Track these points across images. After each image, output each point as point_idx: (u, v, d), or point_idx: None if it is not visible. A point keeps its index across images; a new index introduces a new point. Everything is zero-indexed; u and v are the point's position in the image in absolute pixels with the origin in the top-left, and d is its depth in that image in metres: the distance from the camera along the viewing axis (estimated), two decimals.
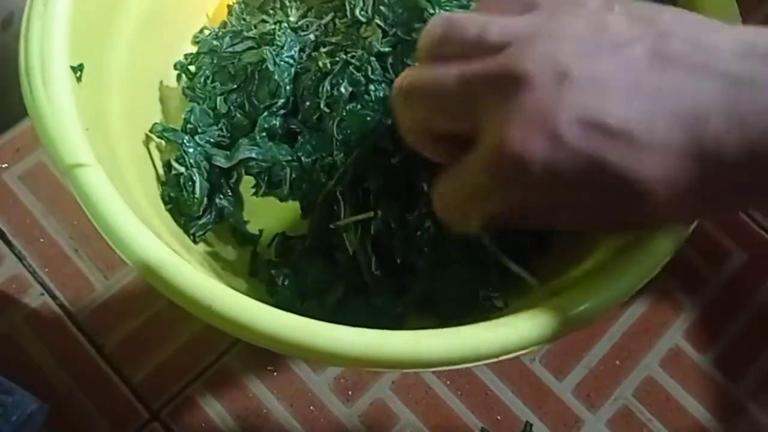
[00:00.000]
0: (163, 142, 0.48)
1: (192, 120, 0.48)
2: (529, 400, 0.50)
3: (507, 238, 0.44)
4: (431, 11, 0.41)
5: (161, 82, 0.52)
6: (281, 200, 0.49)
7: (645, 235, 0.35)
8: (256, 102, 0.47)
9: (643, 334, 0.52)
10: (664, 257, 0.34)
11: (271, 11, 0.53)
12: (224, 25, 0.53)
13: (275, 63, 0.45)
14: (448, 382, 0.50)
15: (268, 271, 0.46)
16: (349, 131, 0.42)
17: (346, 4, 0.47)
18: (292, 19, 0.50)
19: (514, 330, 0.33)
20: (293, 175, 0.46)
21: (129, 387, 0.49)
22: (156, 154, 0.48)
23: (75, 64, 0.39)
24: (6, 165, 0.54)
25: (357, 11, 0.46)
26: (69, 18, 0.40)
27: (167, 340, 0.50)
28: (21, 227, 0.52)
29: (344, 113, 0.42)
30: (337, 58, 0.44)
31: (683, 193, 0.26)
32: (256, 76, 0.47)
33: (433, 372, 0.50)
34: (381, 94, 0.42)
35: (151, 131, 0.47)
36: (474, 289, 0.42)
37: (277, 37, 0.47)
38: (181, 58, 0.52)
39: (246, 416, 0.49)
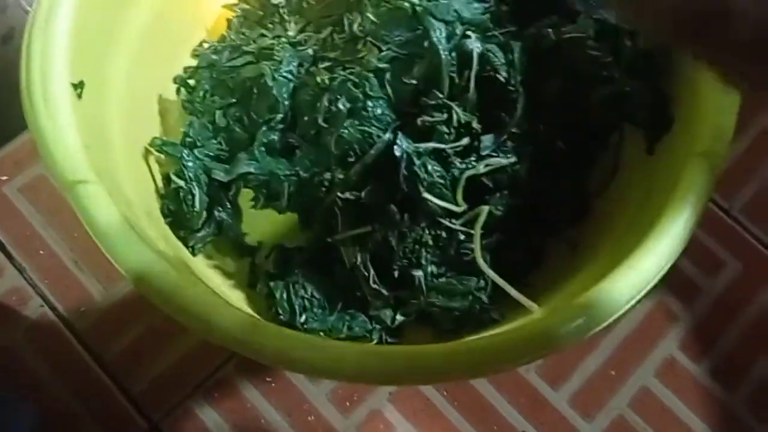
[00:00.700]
0: (162, 155, 0.48)
1: (191, 134, 0.48)
2: (525, 411, 0.50)
3: (502, 253, 0.44)
4: (432, 33, 0.42)
5: (160, 96, 0.52)
6: (280, 212, 0.49)
7: (638, 251, 0.35)
8: (254, 116, 0.47)
9: (638, 344, 0.52)
10: (655, 275, 0.35)
11: (269, 25, 0.53)
12: (223, 39, 0.54)
13: (274, 78, 0.46)
14: (445, 393, 0.51)
15: (266, 283, 0.47)
16: (347, 147, 0.43)
17: (344, 19, 0.47)
18: (290, 33, 0.50)
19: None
20: (291, 189, 0.47)
21: (128, 398, 0.49)
22: (155, 167, 0.49)
23: (75, 81, 0.39)
24: (6, 177, 0.54)
25: (355, 26, 0.46)
26: (70, 34, 0.40)
27: (166, 351, 0.50)
28: (21, 239, 0.53)
29: (343, 129, 0.43)
30: (336, 75, 0.44)
31: None
32: (255, 91, 0.47)
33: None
34: (379, 111, 0.42)
35: (150, 145, 0.47)
36: (471, 303, 0.43)
37: (276, 53, 0.47)
38: (180, 71, 0.53)
39: (244, 426, 0.49)
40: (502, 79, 0.42)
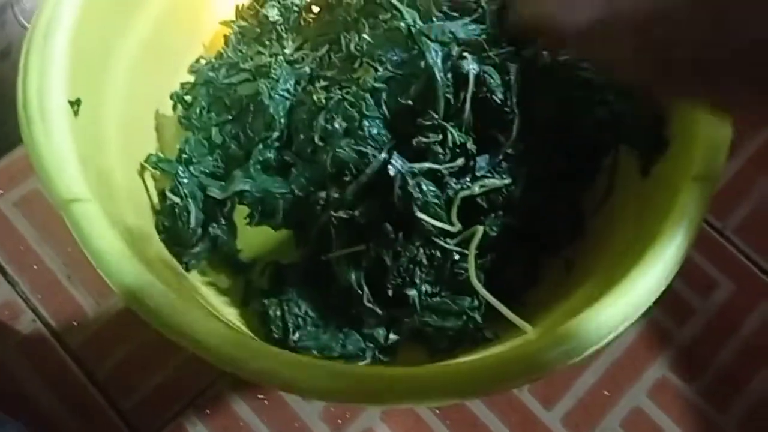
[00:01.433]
0: (158, 171, 0.48)
1: (187, 150, 0.48)
2: (517, 430, 0.50)
3: (497, 272, 0.44)
4: (427, 54, 0.42)
5: (157, 111, 0.52)
6: (274, 229, 0.49)
7: (631, 276, 0.35)
8: (251, 134, 0.47)
9: (630, 364, 0.52)
10: (648, 300, 0.35)
11: (267, 42, 0.53)
12: (220, 55, 0.54)
13: (270, 96, 0.46)
14: (437, 411, 0.51)
15: (260, 300, 0.47)
16: (342, 166, 0.43)
17: (341, 38, 0.48)
18: (287, 51, 0.51)
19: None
20: (286, 206, 0.47)
21: (119, 414, 0.49)
22: (151, 183, 0.49)
23: (73, 99, 0.39)
24: (1, 192, 0.54)
25: (352, 46, 0.47)
26: (68, 52, 0.40)
27: (158, 367, 0.50)
28: (15, 253, 0.53)
29: (339, 148, 0.43)
30: (332, 94, 0.44)
31: None
32: (252, 109, 0.48)
33: None
34: (374, 130, 0.43)
35: (146, 162, 0.47)
36: (465, 323, 0.43)
37: (273, 70, 0.48)
38: (178, 86, 0.53)
39: None
40: (498, 101, 0.42)
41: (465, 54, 0.43)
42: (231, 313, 0.47)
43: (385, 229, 0.42)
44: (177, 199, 0.46)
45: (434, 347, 0.44)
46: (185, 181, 0.46)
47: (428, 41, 0.43)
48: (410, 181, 0.41)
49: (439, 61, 0.43)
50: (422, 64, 0.43)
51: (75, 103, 0.40)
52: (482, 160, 0.42)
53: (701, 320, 0.54)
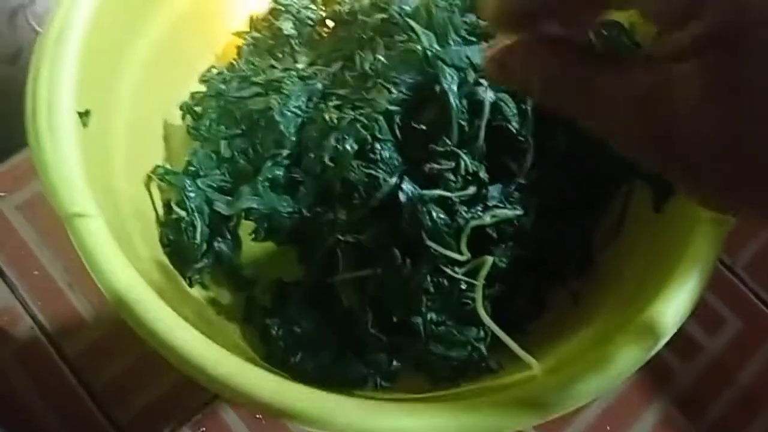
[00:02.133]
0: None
1: (195, 163, 0.48)
2: None
3: (503, 302, 0.44)
4: (442, 79, 0.41)
5: (166, 120, 0.52)
6: (279, 245, 0.48)
7: (643, 319, 0.35)
8: (260, 149, 0.47)
9: (634, 399, 0.51)
10: (658, 343, 0.34)
11: (279, 55, 0.53)
12: (232, 66, 0.53)
13: (282, 113, 0.46)
14: None
15: (262, 318, 0.46)
16: (352, 188, 0.42)
17: (356, 56, 0.47)
18: (300, 66, 0.50)
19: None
20: (293, 224, 0.46)
21: (116, 429, 0.48)
22: (156, 194, 0.48)
23: (82, 110, 0.39)
24: (4, 194, 0.54)
25: (366, 65, 0.46)
26: (79, 61, 0.40)
27: (156, 382, 0.49)
28: (15, 258, 0.52)
29: (349, 169, 0.42)
30: (344, 114, 0.44)
31: None
32: (262, 124, 0.47)
33: None
34: (386, 154, 0.42)
35: (153, 173, 0.47)
36: (469, 353, 0.42)
37: (285, 86, 0.47)
38: (187, 95, 0.52)
39: None
40: (513, 130, 0.41)
41: (481, 81, 0.42)
42: (232, 330, 0.46)
43: (393, 254, 0.41)
44: (183, 213, 0.45)
45: (437, 376, 0.44)
46: (192, 195, 0.46)
47: (444, 66, 0.42)
48: (420, 208, 0.41)
49: (454, 87, 0.42)
50: (437, 88, 0.42)
51: (84, 114, 0.39)
52: (494, 190, 0.41)
53: (708, 358, 0.53)
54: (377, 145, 0.42)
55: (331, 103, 0.45)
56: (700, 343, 0.53)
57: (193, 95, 0.52)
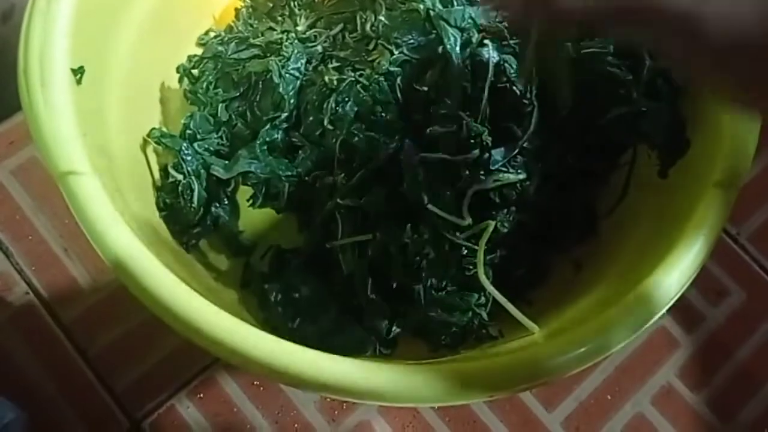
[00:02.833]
0: (160, 146, 0.47)
1: (192, 126, 0.47)
2: (517, 430, 0.49)
3: (505, 268, 0.43)
4: (445, 39, 0.40)
5: (162, 83, 0.50)
6: (278, 212, 0.48)
7: (646, 284, 0.34)
8: (258, 112, 0.46)
9: (636, 369, 0.51)
10: (661, 309, 0.34)
11: (279, 18, 0.52)
12: (230, 29, 0.52)
13: (280, 75, 0.44)
14: (437, 408, 0.49)
15: (260, 284, 0.45)
16: (352, 151, 0.41)
17: (357, 18, 0.46)
18: (300, 28, 0.49)
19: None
20: (291, 189, 0.45)
21: (111, 395, 0.48)
22: (153, 157, 0.47)
23: (75, 66, 0.38)
24: None
25: (367, 26, 0.45)
26: (72, 17, 0.38)
27: (152, 348, 0.49)
28: (10, 223, 0.51)
29: (348, 133, 0.41)
30: (345, 76, 0.43)
31: None
32: (260, 86, 0.46)
33: None
34: (387, 116, 0.41)
35: (149, 136, 0.46)
36: (470, 319, 0.42)
37: (284, 48, 0.46)
38: (185, 59, 0.51)
39: (228, 430, 0.48)
40: (517, 92, 0.40)
41: (485, 41, 0.41)
42: (229, 296, 0.46)
43: (392, 219, 0.41)
44: (180, 177, 0.45)
45: (437, 342, 0.43)
46: (189, 158, 0.45)
47: (447, 26, 0.41)
48: (422, 172, 0.40)
49: (457, 48, 0.41)
50: (440, 49, 0.41)
51: (78, 71, 0.38)
52: (498, 153, 0.41)
53: (710, 328, 0.52)
54: (378, 107, 0.41)
55: (331, 66, 0.44)
56: (704, 314, 0.53)
57: (190, 58, 0.51)
